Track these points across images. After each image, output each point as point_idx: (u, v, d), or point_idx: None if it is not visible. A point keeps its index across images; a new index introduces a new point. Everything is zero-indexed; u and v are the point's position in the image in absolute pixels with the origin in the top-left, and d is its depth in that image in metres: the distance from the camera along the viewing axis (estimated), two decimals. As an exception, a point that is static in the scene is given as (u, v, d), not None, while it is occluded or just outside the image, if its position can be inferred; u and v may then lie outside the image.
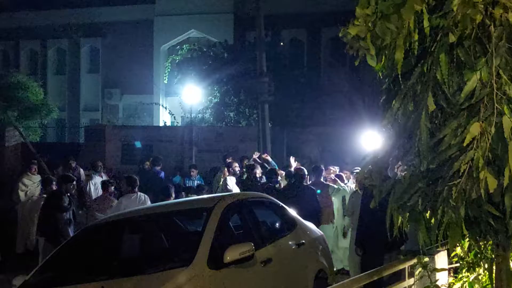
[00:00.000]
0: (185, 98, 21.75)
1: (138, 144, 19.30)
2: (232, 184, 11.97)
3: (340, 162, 13.49)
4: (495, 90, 3.33)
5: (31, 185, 12.48)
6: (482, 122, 3.33)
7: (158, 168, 13.76)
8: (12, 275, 6.00)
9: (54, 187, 10.38)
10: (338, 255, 10.31)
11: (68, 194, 9.30)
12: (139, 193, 9.48)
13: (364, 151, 9.74)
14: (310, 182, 10.69)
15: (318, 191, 10.71)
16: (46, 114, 21.97)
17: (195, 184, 13.65)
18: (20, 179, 12.71)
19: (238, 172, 12.47)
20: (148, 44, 28.32)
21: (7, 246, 11.84)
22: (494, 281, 4.09)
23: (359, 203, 8.44)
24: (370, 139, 10.77)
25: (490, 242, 4.57)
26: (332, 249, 9.69)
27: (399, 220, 3.79)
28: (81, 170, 13.86)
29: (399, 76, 3.62)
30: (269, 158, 13.90)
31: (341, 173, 11.42)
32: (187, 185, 13.73)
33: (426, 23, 3.45)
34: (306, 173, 10.48)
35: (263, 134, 17.77)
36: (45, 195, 10.79)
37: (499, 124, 3.28)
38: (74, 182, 9.60)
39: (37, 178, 12.71)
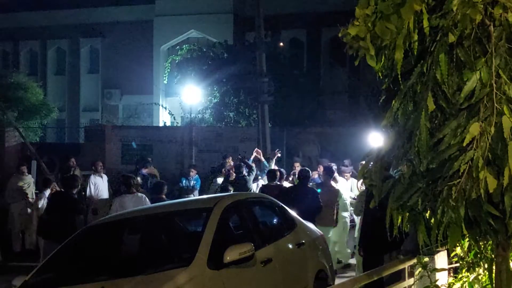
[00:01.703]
0: (185, 98, 21.76)
1: (133, 145, 19.36)
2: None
3: (340, 162, 13.48)
4: (494, 90, 3.33)
5: (23, 186, 12.51)
6: (482, 122, 3.32)
7: (145, 170, 13.61)
8: (13, 275, 6.00)
9: (55, 188, 10.36)
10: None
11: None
12: (137, 193, 9.40)
13: (364, 150, 9.75)
14: (320, 182, 10.70)
15: (319, 190, 10.72)
16: (46, 115, 21.98)
17: (191, 184, 13.76)
18: (11, 180, 12.75)
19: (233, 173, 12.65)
20: (147, 44, 28.33)
21: (6, 245, 11.88)
22: (494, 281, 4.08)
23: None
24: (372, 139, 10.79)
25: (490, 242, 4.57)
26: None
27: (399, 220, 3.79)
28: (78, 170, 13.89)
29: (399, 76, 3.62)
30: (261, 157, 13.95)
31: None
32: (184, 184, 13.81)
33: (425, 23, 3.45)
34: (311, 174, 10.52)
35: (263, 134, 17.77)
36: (41, 195, 10.82)
37: (498, 124, 3.28)
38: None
39: (29, 178, 12.75)
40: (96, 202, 12.05)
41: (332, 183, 10.63)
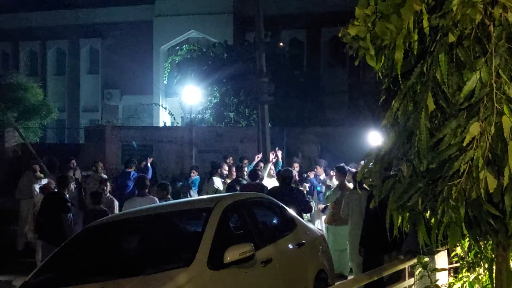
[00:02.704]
0: (185, 99, 21.76)
1: (134, 144, 19.39)
2: (218, 184, 12.18)
3: (339, 162, 13.49)
4: (494, 90, 3.32)
5: (35, 184, 12.55)
6: (482, 122, 3.32)
7: (130, 170, 13.24)
8: (13, 276, 6.01)
9: (54, 189, 10.35)
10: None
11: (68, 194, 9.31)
12: (149, 195, 9.28)
13: (364, 150, 9.74)
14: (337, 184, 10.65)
15: (318, 187, 10.69)
16: (46, 115, 22.00)
17: (190, 182, 13.87)
18: (23, 177, 12.78)
19: (225, 173, 12.66)
20: (147, 45, 28.32)
21: (8, 244, 11.91)
22: (494, 281, 4.08)
23: (357, 203, 8.43)
24: (372, 139, 10.79)
25: (490, 242, 4.57)
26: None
27: (399, 220, 3.79)
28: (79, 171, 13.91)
29: (399, 76, 3.62)
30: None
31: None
32: (184, 184, 13.87)
33: (425, 23, 3.45)
34: (295, 174, 10.49)
35: (263, 135, 17.76)
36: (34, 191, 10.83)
37: (498, 124, 3.28)
38: (74, 182, 9.59)
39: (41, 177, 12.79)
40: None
41: (347, 183, 10.50)
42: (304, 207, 9.34)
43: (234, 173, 12.42)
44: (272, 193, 9.34)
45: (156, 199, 9.02)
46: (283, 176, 9.68)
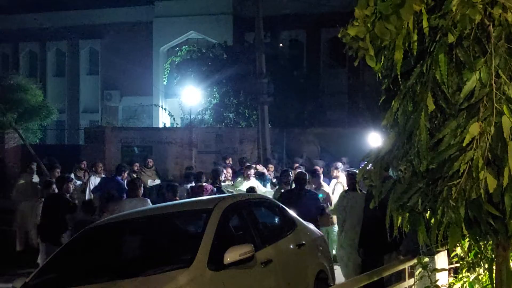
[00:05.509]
0: (184, 100, 21.77)
1: (135, 150, 19.45)
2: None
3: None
4: (494, 90, 3.33)
5: (28, 185, 12.53)
6: (482, 122, 3.32)
7: (119, 177, 12.53)
8: (12, 277, 6.00)
9: (55, 190, 10.34)
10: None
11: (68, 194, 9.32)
12: (139, 197, 9.19)
13: (364, 151, 9.78)
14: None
15: (320, 195, 10.73)
16: (46, 116, 22.00)
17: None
18: (20, 178, 12.81)
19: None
20: (147, 46, 28.32)
21: (7, 244, 11.90)
22: (494, 281, 4.08)
23: (352, 204, 8.40)
24: (372, 140, 10.82)
25: (490, 242, 4.57)
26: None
27: (399, 221, 3.79)
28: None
29: (399, 76, 3.62)
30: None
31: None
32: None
33: (425, 24, 3.45)
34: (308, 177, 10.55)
35: (263, 135, 17.78)
36: (42, 198, 10.79)
37: (498, 124, 3.28)
38: (72, 182, 9.59)
39: (35, 178, 12.76)
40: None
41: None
42: (318, 211, 9.40)
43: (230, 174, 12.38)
44: (288, 196, 9.38)
45: (149, 200, 8.98)
46: (298, 178, 9.70)
